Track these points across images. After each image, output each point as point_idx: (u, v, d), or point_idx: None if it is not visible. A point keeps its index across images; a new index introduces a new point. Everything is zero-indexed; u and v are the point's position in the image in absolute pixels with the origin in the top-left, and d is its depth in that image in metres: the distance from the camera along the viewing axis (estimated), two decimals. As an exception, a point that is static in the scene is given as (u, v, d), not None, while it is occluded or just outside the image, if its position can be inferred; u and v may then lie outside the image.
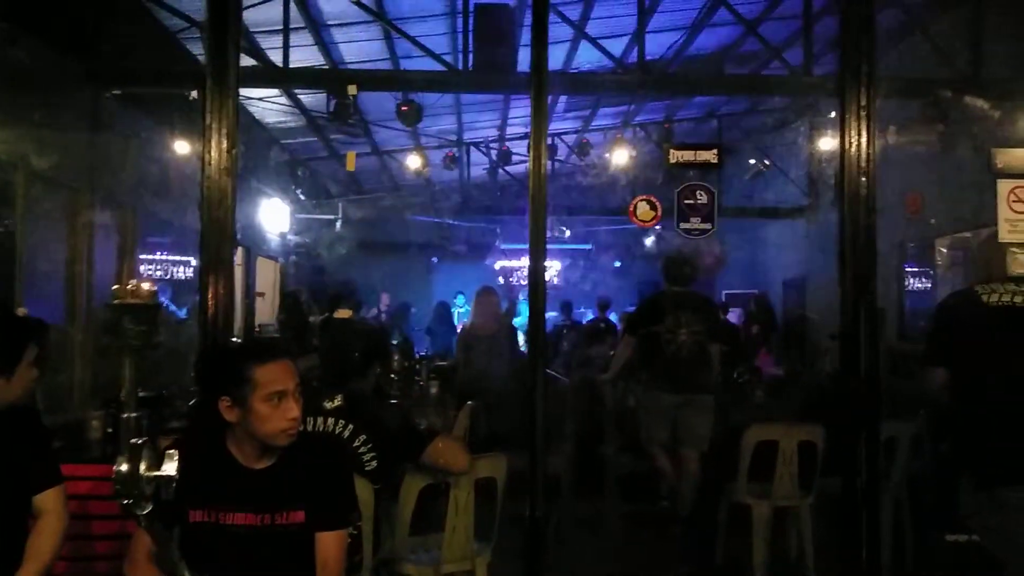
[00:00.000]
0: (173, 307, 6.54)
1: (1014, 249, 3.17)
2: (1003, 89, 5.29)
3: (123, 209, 6.24)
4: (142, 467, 1.33)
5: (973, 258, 3.27)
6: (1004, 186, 3.67)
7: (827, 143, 7.76)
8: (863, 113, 3.28)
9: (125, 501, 1.37)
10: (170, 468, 1.36)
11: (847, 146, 3.29)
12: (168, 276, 7.20)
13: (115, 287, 3.02)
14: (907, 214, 6.66)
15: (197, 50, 6.28)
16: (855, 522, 3.14)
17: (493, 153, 10.57)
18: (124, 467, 1.35)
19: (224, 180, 3.13)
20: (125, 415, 3.42)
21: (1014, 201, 3.74)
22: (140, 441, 1.36)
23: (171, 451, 1.38)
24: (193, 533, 2.07)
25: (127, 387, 3.23)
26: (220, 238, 3.14)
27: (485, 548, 3.41)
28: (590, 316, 11.02)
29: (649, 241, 12.01)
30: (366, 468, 3.13)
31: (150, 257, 7.00)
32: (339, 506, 2.23)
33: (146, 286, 3.00)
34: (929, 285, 8.35)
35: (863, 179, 3.25)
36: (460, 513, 3.28)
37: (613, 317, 10.01)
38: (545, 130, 3.43)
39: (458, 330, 8.57)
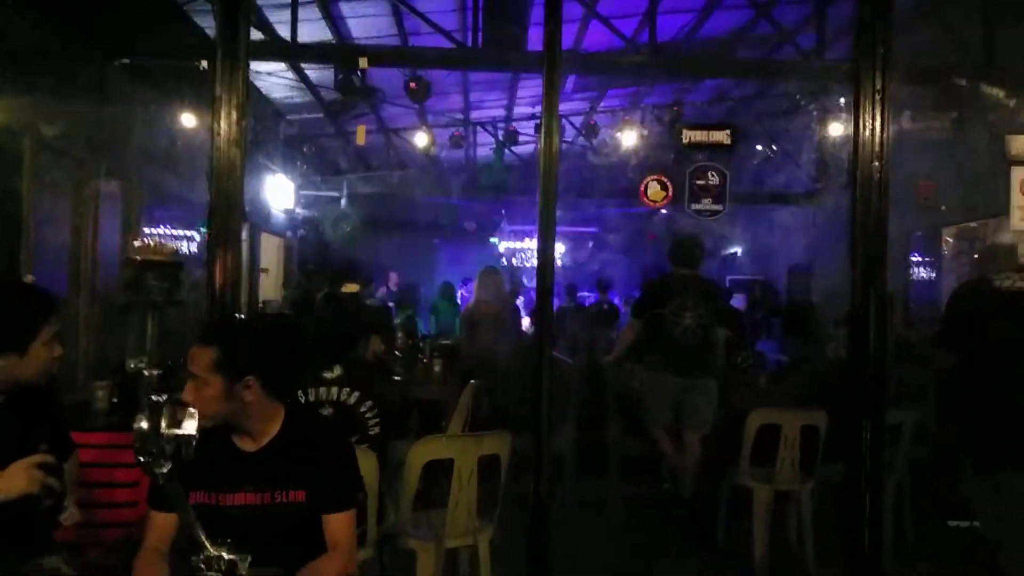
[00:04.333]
0: None
1: (1026, 238, 3.16)
2: (1017, 77, 5.24)
3: (128, 181, 6.22)
4: (162, 425, 1.32)
5: (984, 250, 3.26)
6: (1017, 173, 3.65)
7: (836, 128, 7.71)
8: (878, 97, 3.24)
9: (143, 459, 1.36)
10: (190, 427, 1.35)
11: (861, 130, 3.25)
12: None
13: (136, 243, 3.00)
14: (918, 201, 6.62)
15: (204, 23, 6.24)
16: (858, 507, 3.13)
17: (500, 133, 10.50)
18: (144, 424, 1.33)
19: (233, 152, 3.11)
20: (147, 372, 3.43)
21: (1027, 189, 3.72)
22: (160, 399, 1.34)
23: (192, 410, 1.37)
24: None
25: (148, 344, 3.24)
26: (228, 211, 3.12)
27: (488, 525, 3.43)
28: (590, 298, 11.01)
29: (657, 223, 11.96)
30: (370, 432, 3.17)
31: (154, 231, 6.98)
32: (344, 486, 2.21)
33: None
34: (934, 274, 8.33)
35: (876, 164, 3.21)
36: (463, 489, 3.30)
37: (617, 300, 10.00)
38: (556, 109, 3.39)
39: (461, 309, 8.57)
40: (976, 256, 3.23)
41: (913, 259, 8.54)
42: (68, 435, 2.45)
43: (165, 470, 1.37)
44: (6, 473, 2.00)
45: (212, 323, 2.51)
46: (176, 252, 3.13)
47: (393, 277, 10.33)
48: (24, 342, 2.16)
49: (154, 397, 1.35)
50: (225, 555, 1.50)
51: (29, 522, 2.18)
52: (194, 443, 1.40)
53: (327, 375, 3.24)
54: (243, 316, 3.61)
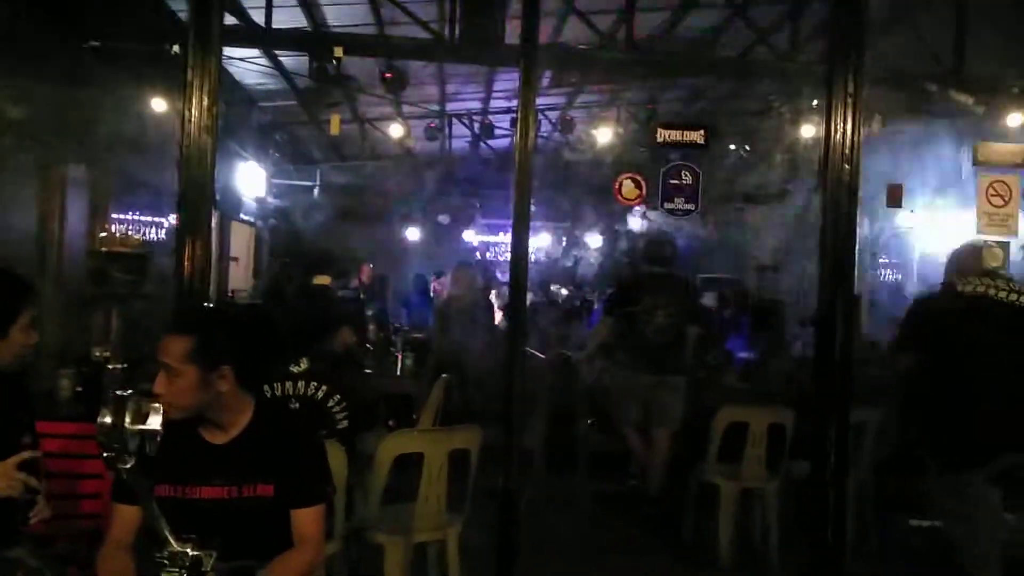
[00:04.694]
0: None
1: (989, 243, 3.23)
2: (986, 84, 5.34)
3: (97, 166, 6.10)
4: (127, 420, 1.30)
5: (951, 257, 3.32)
6: (984, 180, 3.71)
7: (808, 130, 7.80)
8: (850, 100, 3.28)
9: (107, 454, 1.34)
10: (155, 422, 1.34)
11: (832, 133, 3.29)
12: (141, 236, 7.07)
13: (102, 234, 2.95)
14: (887, 204, 6.74)
15: (177, 6, 6.13)
16: (822, 504, 3.18)
17: (476, 126, 10.48)
18: (108, 419, 1.31)
19: (204, 139, 3.06)
20: (111, 366, 3.38)
21: (992, 195, 3.79)
22: (125, 393, 1.33)
23: (156, 405, 1.35)
24: (160, 507, 2.05)
25: (113, 338, 3.19)
26: (199, 198, 3.07)
27: (457, 519, 3.43)
28: (563, 293, 11.05)
29: (631, 221, 12.03)
30: (337, 427, 3.16)
31: (123, 217, 6.86)
32: (312, 481, 2.19)
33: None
34: (900, 276, 8.48)
35: (847, 166, 3.25)
36: (433, 483, 3.30)
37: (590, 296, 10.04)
38: (533, 103, 3.39)
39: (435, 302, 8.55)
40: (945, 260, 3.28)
41: (881, 261, 8.68)
42: (32, 426, 2.40)
43: (129, 465, 1.35)
44: None
45: (185, 311, 2.47)
46: (143, 243, 3.08)
47: (366, 269, 10.28)
48: (4, 327, 2.11)
49: (119, 392, 1.33)
50: (190, 551, 1.48)
51: (1, 518, 2.14)
52: (158, 438, 1.38)
53: (294, 369, 3.21)
54: (214, 305, 3.56)
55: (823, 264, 3.23)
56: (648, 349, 5.05)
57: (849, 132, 3.29)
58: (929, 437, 3.21)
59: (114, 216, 6.53)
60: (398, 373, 5.94)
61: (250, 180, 10.17)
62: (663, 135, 4.83)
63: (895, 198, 6.48)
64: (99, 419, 1.33)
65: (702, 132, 4.94)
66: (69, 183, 5.63)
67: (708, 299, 9.94)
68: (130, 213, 6.93)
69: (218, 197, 3.53)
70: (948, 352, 3.08)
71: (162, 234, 7.15)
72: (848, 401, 3.21)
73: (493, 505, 3.28)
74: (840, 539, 3.15)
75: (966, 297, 3.10)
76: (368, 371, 5.54)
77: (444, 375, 4.81)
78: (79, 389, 3.83)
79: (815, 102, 6.81)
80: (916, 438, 3.51)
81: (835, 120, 3.30)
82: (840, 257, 3.24)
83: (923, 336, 3.19)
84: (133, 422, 1.32)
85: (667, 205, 4.62)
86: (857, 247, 3.25)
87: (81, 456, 3.19)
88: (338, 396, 3.20)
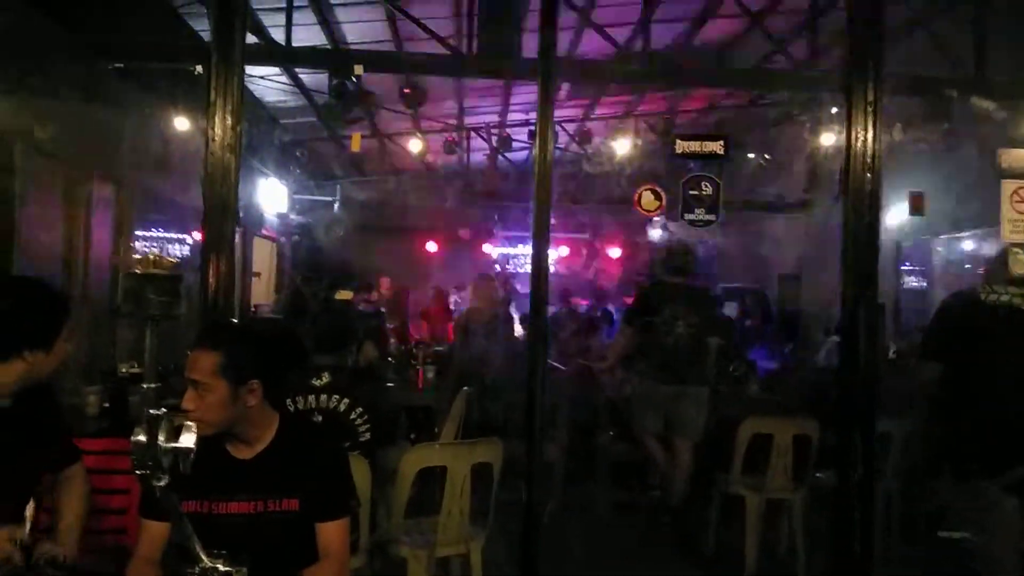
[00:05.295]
0: None
1: (1015, 249, 3.20)
2: (1008, 90, 5.28)
3: (121, 184, 6.20)
4: (160, 438, 1.32)
5: (988, 263, 3.29)
6: (1008, 186, 3.67)
7: (828, 138, 7.75)
8: (870, 109, 3.27)
9: (141, 472, 1.36)
10: (188, 440, 1.35)
11: (853, 142, 3.28)
12: (175, 258, 7.15)
13: (136, 256, 3.00)
14: (909, 212, 6.68)
15: (199, 26, 6.23)
16: (848, 515, 3.15)
17: (494, 139, 10.51)
18: (142, 437, 1.33)
19: (228, 157, 3.11)
20: (145, 385, 3.44)
21: (1017, 201, 3.75)
22: (159, 412, 1.34)
23: (188, 423, 1.37)
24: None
25: (147, 358, 3.23)
26: (223, 216, 3.12)
27: (480, 532, 3.43)
28: (583, 305, 11.02)
29: (651, 232, 12.01)
30: (360, 439, 3.18)
31: (146, 234, 6.96)
32: (337, 495, 2.20)
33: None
34: (925, 284, 8.38)
35: (868, 175, 3.23)
36: (456, 496, 3.30)
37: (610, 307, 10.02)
38: (551, 116, 3.40)
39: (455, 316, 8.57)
40: (981, 271, 3.26)
41: (904, 269, 8.60)
42: (70, 439, 2.43)
43: (163, 483, 1.37)
44: None
45: (213, 327, 2.48)
46: (176, 265, 3.13)
47: (386, 282, 10.33)
48: (51, 339, 2.16)
49: (152, 411, 1.35)
50: (221, 567, 1.50)
51: None
52: (192, 455, 1.39)
53: (316, 383, 3.24)
54: (238, 320, 3.60)
55: (845, 274, 3.21)
56: (668, 359, 5.03)
57: (870, 140, 3.27)
58: (948, 445, 3.19)
59: (138, 233, 6.62)
60: (419, 386, 5.95)
61: (272, 196, 10.28)
62: (682, 147, 4.82)
63: (917, 206, 6.42)
64: (133, 437, 1.35)
65: (721, 143, 4.92)
66: (94, 201, 5.72)
67: (730, 309, 9.92)
68: (154, 230, 7.03)
69: (241, 214, 3.57)
70: (967, 361, 3.07)
71: (185, 250, 7.24)
72: (873, 411, 3.19)
73: (516, 517, 3.27)
74: (867, 551, 3.12)
75: (990, 307, 3.08)
76: (389, 384, 5.57)
77: (465, 388, 4.82)
78: (106, 405, 3.88)
79: (834, 109, 6.78)
80: (936, 446, 3.48)
81: (856, 129, 3.29)
82: (862, 266, 3.22)
83: (946, 345, 3.17)
84: (167, 440, 1.33)
85: (687, 216, 4.61)
86: (880, 255, 3.24)
87: (108, 472, 3.23)
88: (360, 409, 3.23)
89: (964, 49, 5.77)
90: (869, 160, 3.24)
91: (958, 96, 5.30)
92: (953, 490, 3.14)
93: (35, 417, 2.21)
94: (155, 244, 7.07)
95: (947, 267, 7.83)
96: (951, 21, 6.26)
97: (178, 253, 7.20)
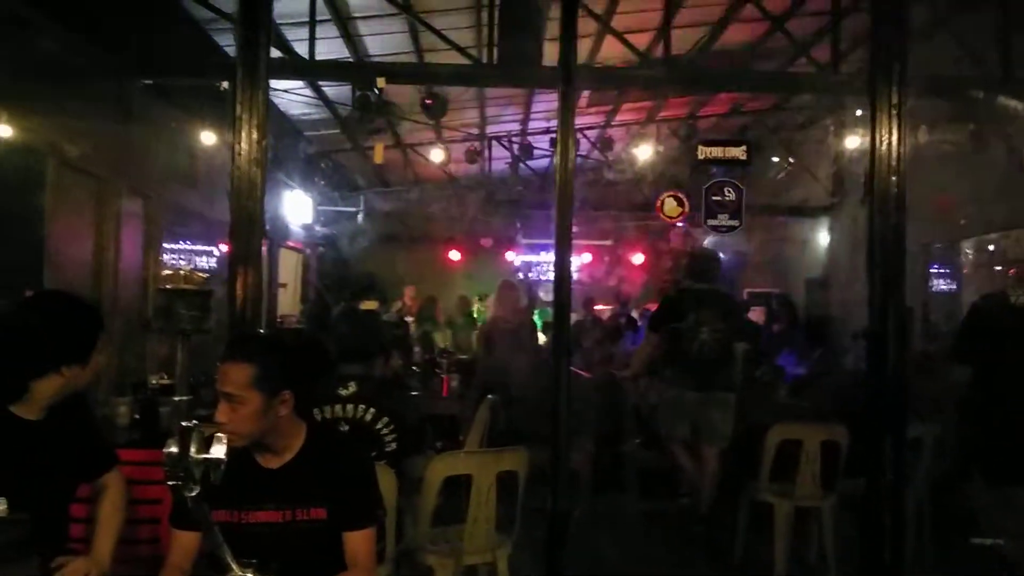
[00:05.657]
0: None
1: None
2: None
3: (149, 198, 6.30)
4: (192, 449, 1.35)
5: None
6: (1036, 186, 3.62)
7: (853, 141, 7.69)
8: (894, 112, 3.25)
9: (174, 482, 1.39)
10: (219, 451, 1.38)
11: (878, 144, 3.26)
12: (191, 266, 7.26)
13: (166, 272, 3.06)
14: (937, 215, 6.59)
15: (224, 41, 6.33)
16: (879, 522, 3.12)
17: (515, 147, 10.55)
18: (174, 449, 1.36)
19: (254, 171, 3.16)
20: (177, 398, 3.50)
21: (1047, 202, 3.69)
22: (190, 424, 1.37)
23: (221, 434, 1.40)
24: None
25: (179, 371, 3.28)
26: (249, 228, 3.17)
27: (506, 541, 3.43)
28: (607, 311, 10.99)
29: (674, 238, 11.96)
30: (386, 449, 3.19)
31: (174, 246, 7.07)
32: (364, 504, 2.21)
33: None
34: (955, 286, 8.26)
35: (893, 178, 3.21)
36: (482, 505, 3.30)
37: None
38: (572, 125, 3.42)
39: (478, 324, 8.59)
40: (1010, 273, 3.24)
41: (932, 271, 8.48)
42: (107, 448, 2.47)
43: (194, 493, 1.39)
44: None
45: (242, 339, 2.50)
46: (206, 280, 3.19)
47: (409, 291, 10.38)
48: (87, 353, 2.20)
49: (184, 423, 1.38)
50: (251, 576, 1.52)
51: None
52: (222, 466, 1.42)
53: (342, 392, 3.26)
54: (265, 332, 3.64)
55: (872, 277, 3.19)
56: (694, 366, 5.00)
57: (895, 143, 3.25)
58: (979, 449, 3.15)
59: (166, 246, 6.73)
60: (444, 394, 5.97)
61: (297, 208, 10.39)
62: (704, 152, 4.80)
63: (945, 208, 6.33)
64: (165, 449, 1.38)
65: (744, 148, 4.90)
66: (124, 215, 5.83)
67: (756, 314, 9.84)
68: (182, 243, 7.14)
69: (267, 227, 3.62)
70: (996, 364, 3.03)
71: (212, 262, 7.35)
72: (903, 416, 3.16)
73: (542, 526, 3.27)
74: (898, 558, 3.09)
75: (1018, 308, 3.04)
76: (414, 393, 5.59)
77: (490, 396, 4.82)
78: (136, 416, 3.93)
79: (859, 112, 6.72)
80: (967, 451, 3.43)
81: (880, 132, 3.28)
82: (890, 270, 3.19)
83: (975, 348, 3.14)
84: (198, 451, 1.36)
85: (711, 222, 4.60)
86: (907, 258, 3.21)
87: (141, 482, 3.27)
88: (386, 418, 3.24)
89: (989, 49, 5.69)
90: (894, 163, 3.22)
91: (984, 96, 5.22)
92: (984, 495, 3.09)
93: (68, 427, 2.25)
94: (183, 257, 7.18)
95: (976, 269, 7.71)
96: (975, 20, 6.19)
97: (205, 265, 7.30)
